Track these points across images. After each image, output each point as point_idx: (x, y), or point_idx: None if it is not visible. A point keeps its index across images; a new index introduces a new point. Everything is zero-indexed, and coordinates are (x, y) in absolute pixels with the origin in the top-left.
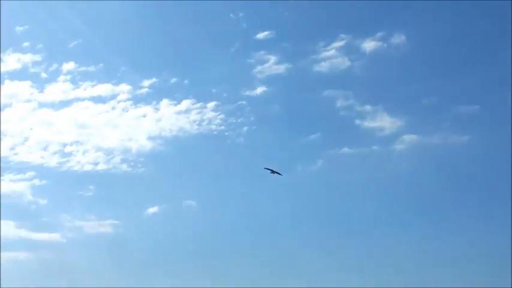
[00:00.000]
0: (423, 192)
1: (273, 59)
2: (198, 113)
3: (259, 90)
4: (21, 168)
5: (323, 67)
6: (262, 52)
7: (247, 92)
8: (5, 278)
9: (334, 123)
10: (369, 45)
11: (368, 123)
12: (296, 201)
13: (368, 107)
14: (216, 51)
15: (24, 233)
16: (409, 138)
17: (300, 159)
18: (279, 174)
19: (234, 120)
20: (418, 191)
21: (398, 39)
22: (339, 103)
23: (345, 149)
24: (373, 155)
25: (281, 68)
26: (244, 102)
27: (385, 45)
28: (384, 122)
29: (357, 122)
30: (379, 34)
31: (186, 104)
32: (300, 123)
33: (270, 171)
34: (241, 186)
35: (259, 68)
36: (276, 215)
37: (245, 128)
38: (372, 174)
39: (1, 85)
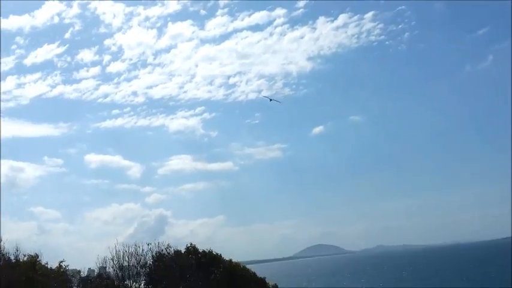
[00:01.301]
0: None
1: None
2: (356, 25)
3: None
4: (191, 104)
5: None
6: None
7: None
8: (189, 207)
9: (504, 15)
10: None
11: None
12: (463, 108)
13: None
14: None
15: (200, 165)
16: None
17: (469, 58)
18: (277, 101)
19: (394, 28)
20: None
21: None
22: None
23: None
24: None
25: None
26: (403, 7)
27: None
28: None
29: None
30: None
31: (343, 18)
32: (466, 19)
33: (269, 100)
34: (407, 97)
35: None
36: (444, 124)
37: (406, 34)
38: None
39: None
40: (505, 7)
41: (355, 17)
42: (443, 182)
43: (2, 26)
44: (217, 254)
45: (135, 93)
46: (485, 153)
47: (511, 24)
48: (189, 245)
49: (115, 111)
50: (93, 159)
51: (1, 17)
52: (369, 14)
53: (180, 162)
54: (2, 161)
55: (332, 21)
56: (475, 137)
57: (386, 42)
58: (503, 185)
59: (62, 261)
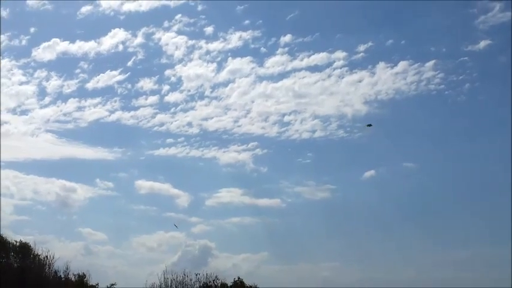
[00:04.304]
0: None
1: (497, 6)
2: (416, 73)
3: (483, 44)
4: (244, 139)
5: None
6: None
7: (469, 47)
8: (233, 241)
9: None
10: None
11: None
12: None
13: None
14: (430, 4)
15: (247, 200)
16: None
17: None
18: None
19: (455, 78)
20: None
21: None
22: None
23: None
24: None
25: (507, 16)
26: (466, 57)
27: None
28: None
29: None
30: None
31: (403, 65)
32: None
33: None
34: (463, 147)
35: (482, 18)
36: (500, 176)
37: (467, 85)
38: None
39: None
40: None
41: (416, 65)
42: (495, 236)
43: (66, 50)
44: None
45: (190, 124)
46: None
47: None
48: (236, 278)
49: (169, 140)
50: (143, 185)
51: (68, 42)
52: (430, 63)
53: (229, 195)
54: (57, 180)
55: (392, 67)
56: None
57: (446, 92)
58: None
59: (113, 284)
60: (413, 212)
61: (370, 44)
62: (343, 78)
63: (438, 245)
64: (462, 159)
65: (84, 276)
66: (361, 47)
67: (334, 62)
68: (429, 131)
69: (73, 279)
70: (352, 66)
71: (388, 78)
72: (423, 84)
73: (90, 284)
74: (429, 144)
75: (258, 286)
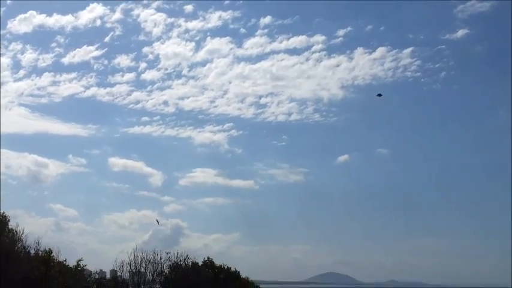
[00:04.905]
0: None
1: None
2: (393, 60)
3: (461, 33)
4: (220, 119)
5: None
6: None
7: (447, 36)
8: (205, 221)
9: None
10: None
11: None
12: (493, 152)
13: None
14: None
15: (221, 180)
16: None
17: (504, 103)
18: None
19: (432, 66)
20: None
21: None
22: None
23: None
24: None
25: (486, 6)
26: (443, 46)
27: None
28: None
29: None
30: None
31: (381, 51)
32: (504, 65)
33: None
34: (437, 135)
35: (460, 7)
36: (473, 166)
37: (443, 74)
38: None
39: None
40: None
41: (394, 51)
42: (462, 225)
43: (43, 23)
44: (235, 270)
45: (166, 103)
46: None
47: None
48: (206, 258)
49: (144, 119)
50: (117, 162)
51: (45, 15)
52: (408, 50)
53: (202, 175)
54: (29, 155)
55: (370, 53)
56: (500, 184)
57: (422, 80)
58: None
59: (80, 260)
60: (385, 198)
61: (349, 29)
62: (321, 62)
63: (409, 231)
64: (435, 146)
65: (50, 252)
66: (340, 32)
67: (313, 45)
68: (404, 118)
69: (41, 255)
70: (331, 50)
71: (366, 64)
72: (400, 71)
73: (58, 260)
74: (403, 131)
75: (228, 266)
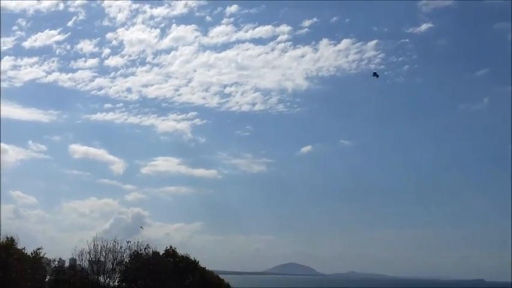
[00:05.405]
0: None
1: None
2: (358, 52)
3: (424, 26)
4: (184, 108)
5: None
6: None
7: (411, 29)
8: (167, 210)
9: (505, 57)
10: None
11: None
12: (454, 145)
13: None
14: None
15: (184, 169)
16: None
17: (464, 97)
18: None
19: (395, 59)
20: None
21: None
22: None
23: None
24: None
25: (449, 1)
26: (407, 39)
27: None
28: None
29: None
30: None
31: (345, 43)
32: (466, 59)
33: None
34: (399, 128)
35: (424, 1)
36: (434, 159)
37: (406, 67)
38: None
39: None
40: (505, 50)
41: (358, 44)
42: (424, 218)
43: (4, 6)
44: (195, 260)
45: (129, 90)
46: (467, 193)
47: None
48: (168, 247)
49: (107, 105)
50: (78, 149)
51: None
52: (372, 43)
53: (165, 164)
54: None
55: (335, 44)
56: (461, 176)
57: (385, 73)
58: (487, 227)
59: (39, 249)
60: (348, 190)
61: (315, 19)
62: (286, 52)
63: (370, 223)
64: (398, 139)
65: (12, 240)
66: (306, 23)
67: (279, 35)
68: (367, 110)
69: (2, 242)
70: (296, 41)
71: (331, 55)
72: (364, 64)
73: (17, 248)
74: (366, 123)
75: (190, 257)
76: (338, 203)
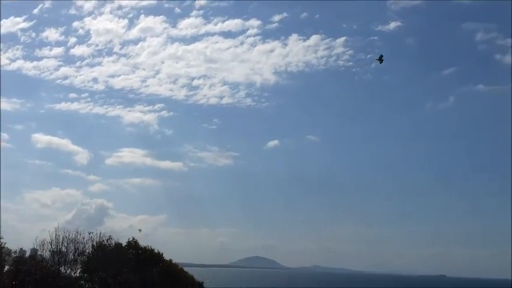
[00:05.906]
0: None
1: None
2: (327, 48)
3: (393, 25)
4: (151, 100)
5: None
6: None
7: (379, 27)
8: (131, 202)
9: (472, 57)
10: None
11: (510, 59)
12: (420, 143)
13: None
14: None
15: (149, 161)
16: None
17: (431, 96)
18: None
19: (363, 56)
20: None
21: None
22: (479, 36)
23: (480, 86)
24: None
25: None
26: (376, 37)
27: None
28: None
29: (498, 57)
30: None
31: (315, 39)
32: (434, 58)
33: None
34: (366, 124)
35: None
36: (401, 156)
37: (374, 64)
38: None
39: None
40: (472, 50)
41: (327, 40)
42: (389, 214)
43: None
44: (158, 252)
45: (95, 80)
46: (431, 191)
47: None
48: (131, 239)
49: (72, 95)
50: (41, 139)
51: None
52: (341, 39)
53: (130, 155)
54: None
55: (304, 40)
56: (427, 173)
57: (353, 69)
58: (450, 225)
59: None
60: (313, 184)
61: (285, 14)
62: (255, 46)
63: (335, 218)
64: (364, 135)
65: None
66: (276, 17)
67: (248, 29)
68: (335, 107)
69: None
70: (265, 35)
71: (300, 51)
72: (333, 60)
73: None
74: (333, 119)
75: (153, 248)
76: (304, 198)
